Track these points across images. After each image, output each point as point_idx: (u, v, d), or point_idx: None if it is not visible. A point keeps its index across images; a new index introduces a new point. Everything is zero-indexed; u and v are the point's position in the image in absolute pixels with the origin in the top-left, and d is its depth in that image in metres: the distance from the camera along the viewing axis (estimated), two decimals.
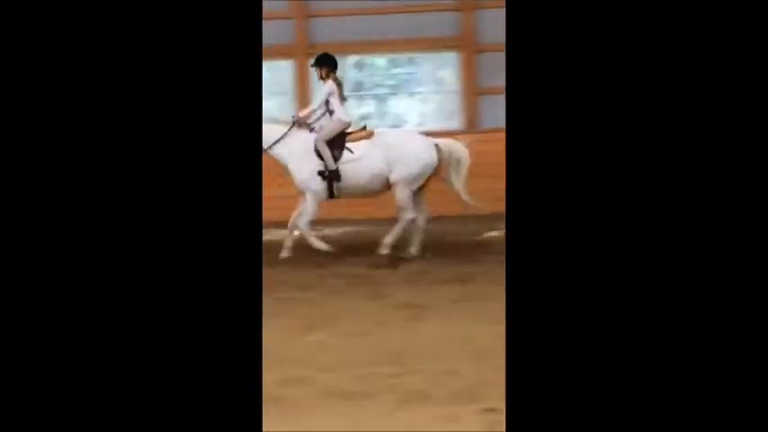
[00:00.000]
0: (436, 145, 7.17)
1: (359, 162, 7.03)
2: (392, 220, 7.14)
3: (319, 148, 6.97)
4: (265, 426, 2.44)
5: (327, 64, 7.25)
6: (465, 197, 7.15)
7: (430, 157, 7.09)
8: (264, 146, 6.86)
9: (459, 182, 7.13)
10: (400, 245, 7.04)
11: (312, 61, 7.39)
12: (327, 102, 7.13)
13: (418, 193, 7.14)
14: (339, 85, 7.25)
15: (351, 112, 8.28)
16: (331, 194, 7.04)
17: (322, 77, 7.24)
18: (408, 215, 7.01)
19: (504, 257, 2.39)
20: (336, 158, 6.98)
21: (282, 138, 7.04)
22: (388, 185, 7.09)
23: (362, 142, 7.12)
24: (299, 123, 7.14)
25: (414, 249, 7.01)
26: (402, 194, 7.01)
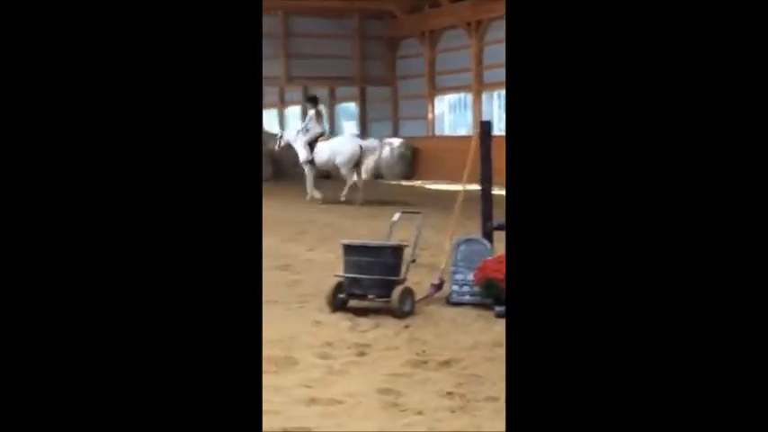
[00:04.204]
0: (359, 144, 13.82)
1: (317, 154, 13.84)
2: None
3: (303, 147, 14.06)
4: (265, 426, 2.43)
5: (310, 101, 14.65)
6: (365, 176, 13.82)
7: (353, 150, 13.57)
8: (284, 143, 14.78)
9: (368, 163, 13.81)
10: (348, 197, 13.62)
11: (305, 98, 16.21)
12: (309, 122, 14.21)
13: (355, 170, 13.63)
14: (318, 112, 14.29)
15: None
16: (311, 163, 14.01)
17: (308, 108, 14.62)
18: (349, 181, 13.61)
19: None
20: (312, 150, 13.90)
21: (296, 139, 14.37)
22: (334, 165, 13.82)
23: (322, 143, 13.92)
24: (298, 131, 14.49)
25: (354, 197, 13.45)
26: (343, 170, 13.73)
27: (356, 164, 13.66)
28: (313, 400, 3.69)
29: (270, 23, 19.87)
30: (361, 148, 13.71)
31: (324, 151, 13.82)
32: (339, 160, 13.64)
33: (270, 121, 26.71)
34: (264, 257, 8.36)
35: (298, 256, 8.12)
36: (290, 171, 17.86)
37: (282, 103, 26.14)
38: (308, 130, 14.14)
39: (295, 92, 24.35)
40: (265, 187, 10.87)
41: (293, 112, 25.82)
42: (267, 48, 19.46)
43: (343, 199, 13.49)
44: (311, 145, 13.90)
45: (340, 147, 13.83)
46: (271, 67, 19.61)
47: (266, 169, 17.43)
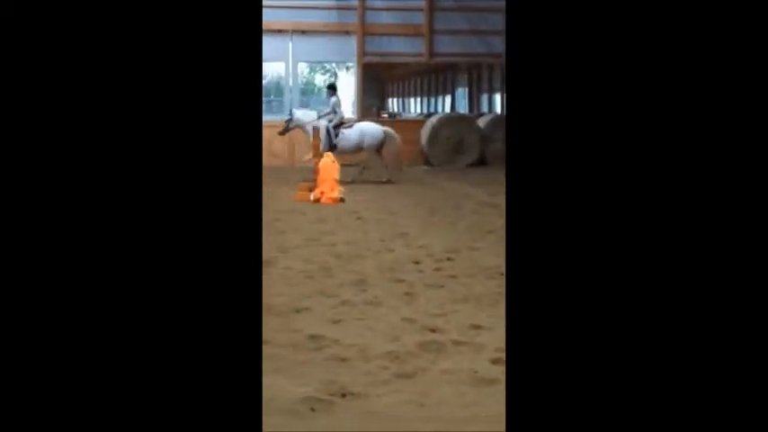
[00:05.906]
0: (384, 130, 14.34)
1: (344, 140, 14.03)
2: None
3: (328, 131, 13.84)
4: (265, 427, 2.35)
5: (332, 88, 14.75)
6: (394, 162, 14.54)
7: (378, 134, 14.22)
8: (301, 123, 14.11)
9: (392, 150, 14.44)
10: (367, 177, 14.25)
11: (328, 84, 16.07)
12: (334, 108, 14.18)
13: (378, 153, 14.34)
14: (338, 100, 14.39)
15: None
16: (332, 149, 13.41)
17: (330, 95, 14.53)
18: (369, 164, 14.34)
19: None
20: (336, 136, 13.90)
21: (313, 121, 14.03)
22: (360, 149, 14.24)
23: (347, 129, 14.22)
24: (320, 116, 14.16)
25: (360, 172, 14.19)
26: (366, 154, 14.34)
27: (378, 148, 14.31)
28: None
29: None
30: (384, 134, 14.34)
31: (352, 135, 14.18)
32: (367, 143, 14.20)
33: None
34: None
35: None
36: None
37: None
38: (329, 116, 14.28)
39: None
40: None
41: None
42: None
43: (356, 178, 13.96)
44: (335, 130, 14.08)
45: (368, 130, 14.33)
46: None
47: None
